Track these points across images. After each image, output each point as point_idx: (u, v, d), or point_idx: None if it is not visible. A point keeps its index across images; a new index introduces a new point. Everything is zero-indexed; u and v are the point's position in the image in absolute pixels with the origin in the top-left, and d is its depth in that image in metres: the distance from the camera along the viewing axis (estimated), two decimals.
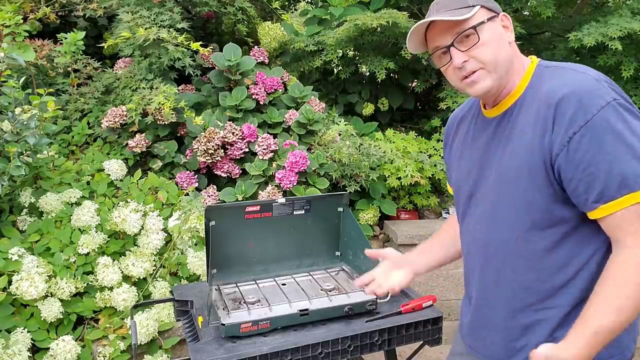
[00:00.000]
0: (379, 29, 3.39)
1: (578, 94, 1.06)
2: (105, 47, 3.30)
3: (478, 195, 1.27)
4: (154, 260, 2.50)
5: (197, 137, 2.94)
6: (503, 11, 1.23)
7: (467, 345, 1.38)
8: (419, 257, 1.58)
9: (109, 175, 2.86)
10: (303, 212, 1.87)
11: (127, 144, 3.02)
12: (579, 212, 1.11)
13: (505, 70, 1.17)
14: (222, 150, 2.98)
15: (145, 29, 2.91)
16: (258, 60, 3.41)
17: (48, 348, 2.20)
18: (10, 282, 2.24)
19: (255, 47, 3.54)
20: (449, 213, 3.53)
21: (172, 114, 2.93)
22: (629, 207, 1.04)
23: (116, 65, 3.42)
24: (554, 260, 1.15)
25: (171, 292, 2.37)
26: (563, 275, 1.15)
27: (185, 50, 3.01)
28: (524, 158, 1.13)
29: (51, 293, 2.29)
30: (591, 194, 1.06)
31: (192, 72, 3.11)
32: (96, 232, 2.49)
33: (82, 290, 2.39)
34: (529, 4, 3.65)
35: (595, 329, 1.06)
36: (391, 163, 3.24)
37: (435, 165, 3.33)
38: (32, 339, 2.20)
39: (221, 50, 3.27)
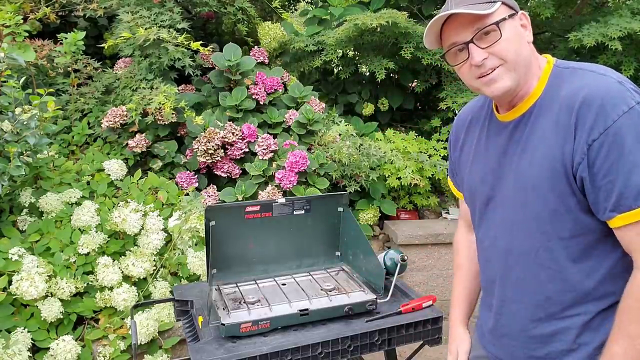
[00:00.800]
0: (378, 29, 3.39)
1: (599, 99, 1.01)
2: (106, 47, 3.31)
3: (497, 201, 1.22)
4: (154, 260, 2.50)
5: (197, 137, 2.94)
6: None
7: (489, 352, 1.34)
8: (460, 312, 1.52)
9: (109, 175, 2.86)
10: (303, 212, 1.87)
11: (127, 144, 3.02)
12: (604, 221, 1.07)
13: (524, 70, 1.13)
14: (222, 150, 2.98)
15: (145, 29, 2.91)
16: (258, 61, 3.42)
17: (48, 348, 2.20)
18: (10, 282, 2.24)
19: (255, 47, 3.54)
20: (448, 213, 3.53)
21: (172, 114, 2.93)
22: None
23: (116, 65, 3.42)
24: (579, 270, 1.11)
25: (171, 292, 2.37)
26: (587, 284, 1.10)
27: (185, 50, 3.02)
28: (545, 166, 1.08)
29: (51, 293, 2.29)
30: (609, 202, 1.02)
31: (192, 72, 3.12)
32: (96, 232, 2.49)
33: (82, 290, 2.39)
34: (528, 4, 3.65)
35: None
36: (391, 163, 3.24)
37: (435, 166, 3.33)
38: (32, 338, 2.21)
39: (221, 50, 3.27)
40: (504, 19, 1.09)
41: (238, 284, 1.83)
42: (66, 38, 3.02)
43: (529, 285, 1.17)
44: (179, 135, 3.19)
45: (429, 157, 3.41)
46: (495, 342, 1.30)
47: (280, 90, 3.39)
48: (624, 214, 1.01)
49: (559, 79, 1.11)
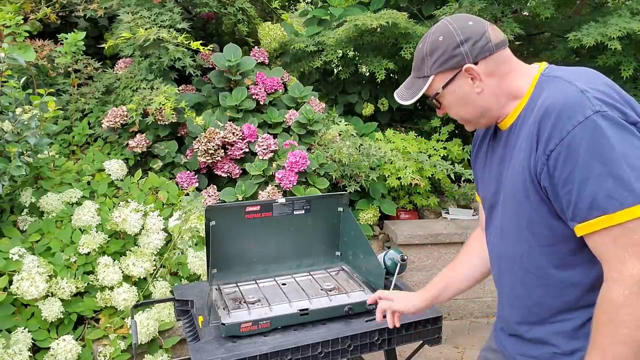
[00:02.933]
0: (378, 29, 3.39)
1: (558, 108, 1.02)
2: (106, 47, 3.31)
3: (497, 208, 1.25)
4: (154, 260, 2.51)
5: (197, 137, 2.94)
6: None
7: (499, 344, 1.36)
8: (435, 284, 1.52)
9: (110, 175, 2.87)
10: (303, 212, 1.88)
11: (127, 144, 3.03)
12: None
13: (478, 118, 1.21)
14: (223, 151, 2.98)
15: (146, 29, 2.91)
16: (258, 61, 3.42)
17: (49, 348, 2.20)
18: (11, 282, 2.24)
19: (256, 47, 3.54)
20: (448, 213, 3.54)
21: (173, 114, 2.93)
22: (602, 230, 1.00)
23: (116, 65, 3.42)
24: (564, 278, 1.12)
25: (171, 291, 2.38)
26: (574, 292, 1.11)
27: (186, 50, 3.02)
28: (520, 176, 1.12)
29: (52, 293, 2.30)
30: (569, 212, 1.03)
31: (192, 73, 3.12)
32: (97, 232, 2.50)
33: (83, 290, 2.40)
34: (528, 4, 3.65)
35: None
36: (391, 163, 3.25)
37: (435, 166, 3.33)
38: (32, 338, 2.21)
39: (221, 51, 3.28)
40: (437, 93, 1.20)
41: (238, 284, 1.84)
42: (66, 38, 3.03)
43: (519, 289, 1.21)
44: (179, 135, 3.19)
45: (429, 157, 3.42)
46: (510, 342, 1.31)
47: (280, 91, 3.39)
48: (580, 224, 1.02)
49: (540, 89, 1.13)
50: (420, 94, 1.20)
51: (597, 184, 0.98)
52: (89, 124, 3.20)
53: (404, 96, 1.24)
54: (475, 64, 1.15)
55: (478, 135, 1.38)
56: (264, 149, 3.00)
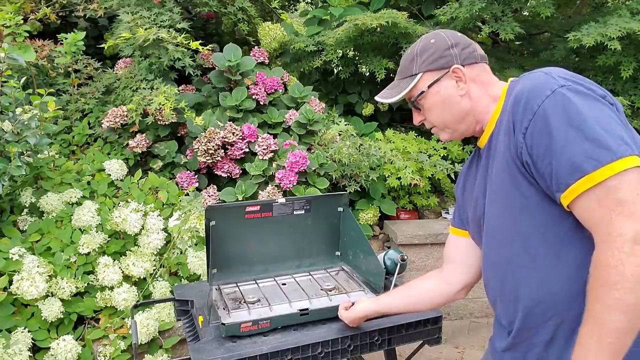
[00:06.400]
0: (378, 29, 3.39)
1: (526, 92, 1.07)
2: (106, 47, 3.31)
3: (484, 217, 1.25)
4: (154, 260, 2.51)
5: (197, 137, 2.94)
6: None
7: None
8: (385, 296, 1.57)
9: (110, 175, 2.87)
10: (303, 212, 1.88)
11: (127, 144, 3.03)
12: None
13: (458, 123, 1.26)
14: (223, 151, 2.98)
15: (145, 29, 2.91)
16: (258, 61, 3.42)
17: (49, 348, 2.20)
18: (11, 282, 2.24)
19: (256, 47, 3.54)
20: (448, 213, 3.54)
21: (173, 114, 2.93)
22: (586, 191, 0.98)
23: (116, 65, 3.43)
24: (568, 264, 1.08)
25: (171, 291, 2.38)
26: (583, 276, 1.03)
27: (185, 50, 3.02)
28: (505, 169, 1.13)
29: (52, 293, 2.30)
30: (553, 183, 1.03)
31: (192, 72, 3.12)
32: (97, 232, 2.50)
33: (83, 290, 2.40)
34: (528, 4, 3.65)
35: (590, 353, 0.97)
36: (391, 163, 3.25)
37: (434, 166, 3.34)
38: (32, 338, 2.21)
39: (221, 51, 3.28)
40: (423, 92, 1.24)
41: (238, 284, 1.84)
42: (66, 38, 3.03)
43: (522, 291, 1.15)
44: (179, 135, 3.19)
45: (429, 157, 3.42)
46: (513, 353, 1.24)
47: (280, 91, 3.39)
48: (565, 192, 1.01)
49: (509, 93, 1.17)
50: (407, 91, 1.24)
51: (573, 148, 0.99)
52: (89, 124, 3.20)
53: (387, 95, 1.29)
54: (463, 66, 1.22)
55: (462, 171, 1.41)
56: (264, 149, 3.00)
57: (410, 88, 1.24)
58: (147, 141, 3.01)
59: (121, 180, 2.88)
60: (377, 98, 1.32)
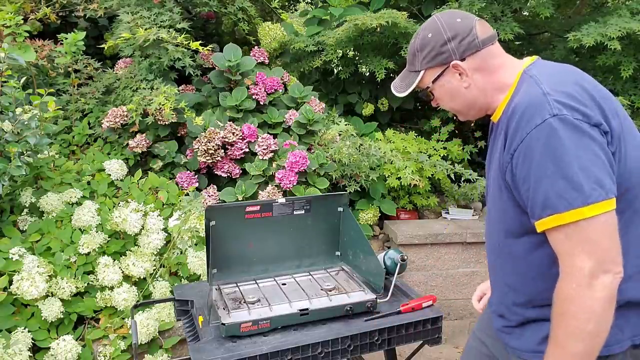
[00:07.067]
0: (378, 29, 3.39)
1: (521, 110, 1.10)
2: (106, 47, 3.31)
3: (487, 198, 1.36)
4: (154, 260, 2.51)
5: (197, 137, 2.94)
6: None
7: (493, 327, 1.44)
8: None
9: (110, 175, 2.87)
10: (303, 212, 1.88)
11: (127, 144, 3.03)
12: None
13: (468, 109, 1.31)
14: (223, 151, 2.98)
15: (145, 29, 2.91)
16: (258, 61, 3.42)
17: (49, 348, 2.21)
18: (11, 282, 2.24)
19: (256, 47, 3.54)
20: (448, 213, 3.54)
21: (173, 114, 2.93)
22: (554, 228, 1.06)
23: (116, 65, 3.42)
24: (534, 267, 1.19)
25: (171, 291, 2.38)
26: (542, 283, 1.17)
27: (185, 50, 3.02)
28: (497, 170, 1.21)
29: (52, 293, 2.30)
30: (528, 209, 1.11)
31: (192, 72, 3.12)
32: (97, 232, 2.50)
33: (83, 290, 2.40)
34: (528, 4, 3.65)
35: None
36: (391, 163, 3.25)
37: (435, 166, 3.33)
38: (32, 338, 2.21)
39: (221, 51, 3.28)
40: (427, 87, 1.30)
41: (238, 284, 1.84)
42: (66, 38, 3.03)
43: (499, 275, 1.32)
44: (179, 135, 3.19)
45: (429, 157, 3.42)
46: (493, 317, 1.41)
47: (280, 91, 3.39)
48: (537, 221, 1.10)
49: (520, 85, 1.20)
50: (413, 88, 1.30)
51: (549, 183, 1.05)
52: (89, 124, 3.20)
53: (399, 88, 1.35)
54: (463, 60, 1.23)
55: (490, 133, 1.43)
56: (264, 149, 3.00)
57: (416, 84, 1.29)
58: (147, 141, 3.01)
59: (121, 180, 2.88)
60: (392, 89, 1.37)
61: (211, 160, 2.94)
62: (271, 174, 3.00)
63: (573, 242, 1.04)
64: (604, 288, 1.03)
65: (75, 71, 3.30)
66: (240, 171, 3.06)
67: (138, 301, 2.35)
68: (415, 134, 3.71)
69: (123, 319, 2.37)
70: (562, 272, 1.07)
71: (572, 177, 1.03)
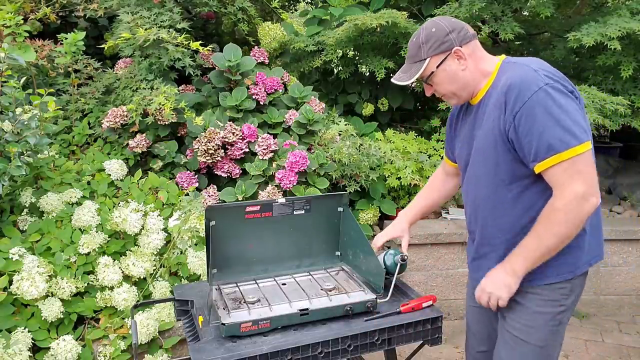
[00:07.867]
0: (378, 29, 3.39)
1: (519, 83, 1.42)
2: (106, 47, 3.31)
3: (470, 163, 1.64)
4: (154, 260, 2.51)
5: (197, 137, 2.94)
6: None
7: (472, 278, 1.76)
8: (409, 210, 2.01)
9: (110, 175, 2.87)
10: (303, 212, 1.88)
11: (127, 144, 3.03)
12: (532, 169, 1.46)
13: (462, 90, 1.59)
14: (223, 151, 2.98)
15: (145, 29, 2.91)
16: (258, 61, 3.42)
17: (49, 348, 2.21)
18: (11, 282, 2.24)
19: (256, 47, 3.54)
20: (448, 213, 3.54)
21: (173, 114, 2.93)
22: (556, 164, 1.39)
23: (116, 65, 3.43)
24: (520, 207, 1.52)
25: (171, 291, 2.38)
26: (527, 217, 1.51)
27: (185, 50, 3.02)
28: (490, 134, 1.52)
29: (52, 293, 2.30)
30: (530, 155, 1.43)
31: (192, 73, 3.12)
32: (97, 232, 2.50)
33: (83, 290, 2.40)
34: (528, 4, 3.65)
35: (525, 254, 1.48)
36: (391, 163, 3.25)
37: (435, 166, 3.33)
38: (32, 338, 2.21)
39: (221, 51, 3.28)
40: (432, 72, 1.56)
41: (238, 284, 1.84)
42: (66, 38, 3.03)
43: (489, 220, 1.61)
44: (179, 135, 3.19)
45: (429, 157, 3.42)
46: (474, 266, 1.72)
47: (280, 91, 3.39)
48: (540, 162, 1.42)
49: (502, 72, 1.53)
50: (419, 74, 1.55)
51: (551, 133, 1.39)
52: (89, 124, 3.20)
53: (402, 78, 1.60)
54: (460, 47, 1.54)
55: (453, 113, 1.79)
56: (264, 149, 3.00)
57: (422, 71, 1.55)
58: (147, 141, 3.01)
59: (121, 180, 2.88)
60: (393, 80, 1.62)
61: (211, 160, 2.94)
62: (271, 174, 3.00)
63: (569, 173, 1.38)
64: (592, 206, 1.40)
65: (75, 71, 3.30)
66: (240, 171, 3.06)
67: (138, 301, 2.35)
68: (415, 134, 3.71)
69: (123, 319, 2.37)
70: (556, 195, 1.41)
71: (567, 126, 1.38)
